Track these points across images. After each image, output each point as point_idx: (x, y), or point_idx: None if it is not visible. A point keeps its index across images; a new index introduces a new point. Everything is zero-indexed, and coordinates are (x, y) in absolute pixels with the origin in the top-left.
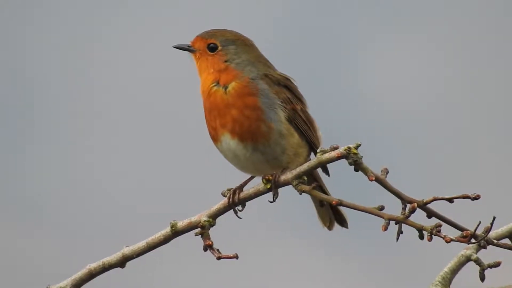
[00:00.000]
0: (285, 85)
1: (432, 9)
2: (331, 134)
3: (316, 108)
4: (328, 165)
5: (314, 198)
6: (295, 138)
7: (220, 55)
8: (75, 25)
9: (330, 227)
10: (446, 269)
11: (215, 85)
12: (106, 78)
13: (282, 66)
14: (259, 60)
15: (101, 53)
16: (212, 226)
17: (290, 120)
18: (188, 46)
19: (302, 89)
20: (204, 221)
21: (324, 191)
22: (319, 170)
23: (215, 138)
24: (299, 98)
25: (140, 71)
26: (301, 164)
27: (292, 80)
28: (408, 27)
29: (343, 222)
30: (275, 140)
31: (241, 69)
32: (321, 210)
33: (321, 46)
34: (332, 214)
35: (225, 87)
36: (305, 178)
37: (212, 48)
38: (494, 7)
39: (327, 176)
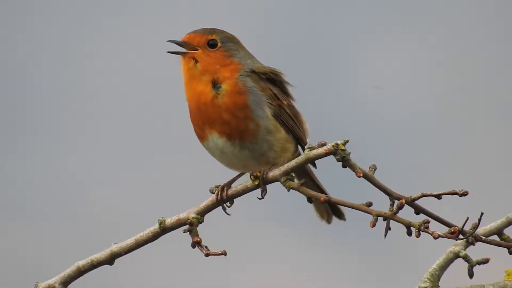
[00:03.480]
0: (271, 80)
1: (416, 10)
2: (319, 131)
3: (304, 105)
4: (317, 161)
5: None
6: (282, 133)
7: (222, 51)
8: (69, 25)
9: (328, 221)
10: (434, 266)
11: (209, 87)
12: (95, 77)
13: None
14: (252, 56)
15: (93, 53)
16: (200, 223)
17: (276, 116)
18: (183, 43)
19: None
20: (193, 218)
21: (317, 184)
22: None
23: (201, 137)
24: (285, 92)
25: (128, 69)
26: (288, 159)
27: (279, 73)
28: (394, 26)
29: (340, 215)
30: (263, 137)
31: (244, 62)
32: (317, 204)
33: (308, 46)
34: (328, 207)
35: (218, 88)
36: (293, 174)
37: (213, 45)
38: (480, 6)
39: (314, 168)
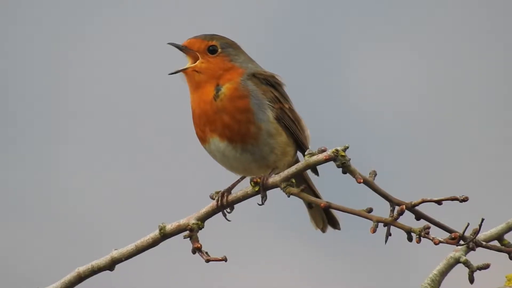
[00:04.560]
0: (272, 84)
1: (416, 14)
2: (318, 137)
3: (304, 111)
4: (317, 167)
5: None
6: (283, 137)
7: (222, 56)
8: (56, 26)
9: (323, 229)
10: (435, 271)
11: (212, 89)
12: (94, 77)
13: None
14: (253, 60)
15: (82, 55)
16: (200, 229)
17: (278, 119)
18: (183, 47)
19: (289, 93)
20: (193, 224)
21: (314, 192)
22: (309, 171)
23: (203, 139)
24: (285, 97)
25: (125, 72)
26: (288, 163)
27: (279, 78)
28: (394, 31)
29: (335, 224)
30: (264, 140)
31: (245, 66)
32: (313, 212)
33: (306, 54)
34: (324, 215)
35: (217, 91)
36: (293, 180)
37: (213, 51)
38: (475, 12)
39: (316, 176)
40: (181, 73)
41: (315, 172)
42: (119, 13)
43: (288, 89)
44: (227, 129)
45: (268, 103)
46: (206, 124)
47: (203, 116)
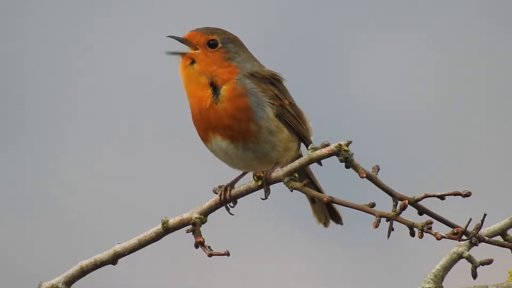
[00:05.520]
0: (271, 82)
1: (415, 10)
2: (321, 132)
3: (305, 108)
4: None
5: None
6: (285, 133)
7: (221, 52)
8: (60, 25)
9: (326, 224)
10: (438, 267)
11: (209, 91)
12: (95, 75)
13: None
14: (254, 58)
15: (83, 56)
16: (203, 223)
17: (279, 116)
18: (183, 39)
19: (290, 89)
20: (196, 218)
21: (316, 187)
22: (312, 165)
23: (204, 139)
24: (284, 93)
25: (125, 72)
26: (292, 158)
27: (278, 76)
28: (394, 27)
29: (337, 219)
30: (265, 138)
31: (242, 66)
32: (315, 207)
33: (306, 53)
34: (326, 210)
35: (217, 95)
36: (296, 175)
37: (213, 45)
38: (478, 6)
39: (320, 166)
40: (178, 73)
41: (319, 163)
42: (120, 13)
43: (288, 87)
44: (229, 129)
45: (267, 100)
46: (208, 127)
47: (205, 120)
